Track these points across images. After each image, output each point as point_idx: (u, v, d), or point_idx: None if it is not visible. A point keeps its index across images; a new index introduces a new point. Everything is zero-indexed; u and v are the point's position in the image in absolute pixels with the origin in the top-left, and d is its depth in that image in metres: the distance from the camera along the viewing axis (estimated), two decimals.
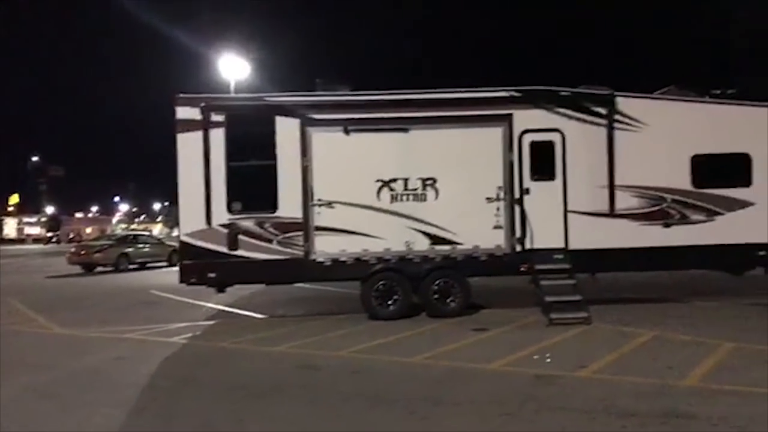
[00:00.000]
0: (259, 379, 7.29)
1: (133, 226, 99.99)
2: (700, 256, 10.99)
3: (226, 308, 12.84)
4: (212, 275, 10.71)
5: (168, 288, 16.19)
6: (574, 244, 10.85)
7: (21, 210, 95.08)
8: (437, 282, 10.76)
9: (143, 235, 31.81)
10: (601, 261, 10.88)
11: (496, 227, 10.90)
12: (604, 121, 11.02)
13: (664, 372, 6.89)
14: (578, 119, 11.02)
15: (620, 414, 5.61)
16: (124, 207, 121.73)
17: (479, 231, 10.86)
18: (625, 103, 11.09)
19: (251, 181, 10.84)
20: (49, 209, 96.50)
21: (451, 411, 5.92)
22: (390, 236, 10.81)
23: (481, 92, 11.07)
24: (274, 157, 10.76)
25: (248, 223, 10.72)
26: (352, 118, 10.88)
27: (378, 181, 10.85)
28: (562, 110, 11.00)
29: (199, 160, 10.64)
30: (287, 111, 10.83)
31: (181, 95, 10.83)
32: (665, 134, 11.05)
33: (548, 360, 7.72)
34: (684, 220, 11.04)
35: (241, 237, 10.69)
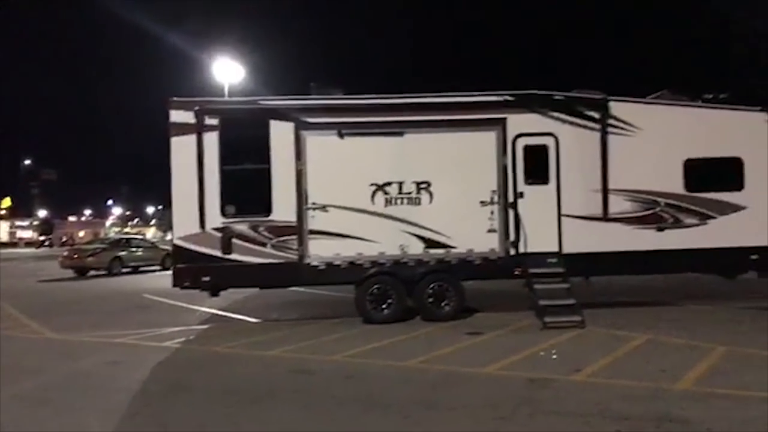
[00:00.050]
0: (253, 383, 7.26)
1: (126, 230, 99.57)
2: (693, 259, 11.04)
3: (220, 312, 12.79)
4: (206, 279, 10.67)
5: (161, 292, 16.11)
6: (568, 248, 10.87)
7: (13, 213, 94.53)
8: (432, 285, 10.76)
9: (136, 238, 31.67)
10: (594, 264, 10.91)
11: (490, 231, 10.92)
12: (597, 126, 11.07)
13: (657, 375, 6.91)
14: (572, 123, 11.06)
15: (614, 417, 5.62)
16: (117, 210, 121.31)
17: (473, 234, 10.88)
18: (618, 108, 11.14)
19: (245, 185, 10.82)
20: (42, 213, 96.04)
21: (445, 415, 5.92)
22: (384, 240, 10.80)
23: (475, 96, 11.11)
24: (268, 160, 10.75)
25: (242, 227, 10.70)
26: (347, 122, 10.88)
27: (372, 184, 10.85)
28: (555, 114, 11.04)
29: (192, 163, 10.62)
30: (281, 114, 10.83)
31: (175, 99, 10.80)
32: (658, 138, 11.11)
33: (554, 357, 7.89)
34: (677, 223, 11.09)
35: (234, 241, 10.66)
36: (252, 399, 6.61)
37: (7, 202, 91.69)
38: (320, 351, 8.74)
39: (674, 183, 11.11)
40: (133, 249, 26.19)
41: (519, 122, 10.96)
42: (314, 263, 10.77)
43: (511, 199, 10.92)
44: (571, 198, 10.99)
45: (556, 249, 10.90)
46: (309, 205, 10.78)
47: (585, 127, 11.07)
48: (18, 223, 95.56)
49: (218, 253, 10.62)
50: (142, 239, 32.33)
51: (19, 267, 33.29)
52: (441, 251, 10.88)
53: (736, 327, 9.59)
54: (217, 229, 10.65)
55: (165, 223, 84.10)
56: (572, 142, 11.02)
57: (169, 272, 11.30)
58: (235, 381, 7.37)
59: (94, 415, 6.31)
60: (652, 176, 11.11)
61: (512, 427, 5.54)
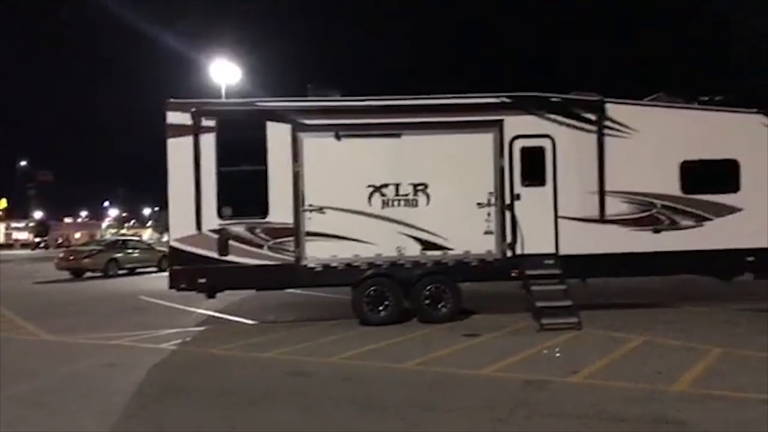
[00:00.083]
0: (249, 385, 7.24)
1: (122, 232, 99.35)
2: (689, 261, 11.07)
3: (217, 314, 12.77)
4: (202, 281, 10.65)
5: (158, 294, 16.08)
6: (565, 250, 10.89)
7: (9, 215, 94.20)
8: (428, 287, 10.75)
9: (133, 240, 31.63)
10: (591, 266, 10.92)
11: (487, 233, 10.93)
12: (594, 128, 11.09)
13: (654, 377, 6.92)
14: (569, 125, 11.08)
15: (611, 419, 5.62)
16: (113, 212, 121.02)
17: (470, 236, 10.88)
18: (614, 110, 11.16)
19: (242, 187, 10.81)
20: (38, 214, 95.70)
21: (442, 417, 5.91)
22: (381, 242, 10.80)
23: (472, 98, 11.12)
24: (265, 162, 10.74)
25: (239, 229, 10.68)
26: (344, 124, 10.88)
27: (369, 186, 10.85)
28: (552, 116, 11.06)
29: (189, 165, 10.60)
30: (278, 116, 10.82)
31: (172, 100, 10.78)
32: (655, 140, 11.13)
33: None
34: (673, 225, 11.12)
35: (231, 242, 10.64)
36: (248, 401, 6.59)
37: (3, 203, 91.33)
38: (317, 353, 8.73)
39: (671, 185, 11.14)
40: (130, 251, 26.14)
41: (516, 124, 10.97)
42: (311, 265, 10.76)
43: (508, 200, 10.93)
44: (567, 200, 11.01)
45: (552, 251, 10.92)
46: (306, 207, 10.77)
47: (582, 128, 11.09)
48: (14, 224, 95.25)
49: (215, 255, 10.60)
50: (138, 241, 32.28)
51: (14, 269, 33.18)
52: (438, 253, 10.88)
53: (733, 329, 9.61)
54: (213, 231, 10.63)
55: (161, 224, 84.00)
56: (569, 143, 11.04)
57: (166, 274, 11.27)
58: (231, 383, 7.36)
59: (90, 417, 6.29)
60: (649, 178, 11.13)
61: (509, 428, 5.53)
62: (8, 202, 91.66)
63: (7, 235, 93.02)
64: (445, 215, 10.87)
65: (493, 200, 10.94)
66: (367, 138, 10.91)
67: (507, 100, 11.06)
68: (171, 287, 10.75)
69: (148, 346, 9.73)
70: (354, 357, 8.40)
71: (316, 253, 10.76)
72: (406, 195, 10.88)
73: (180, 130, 10.63)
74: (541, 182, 11.02)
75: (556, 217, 10.98)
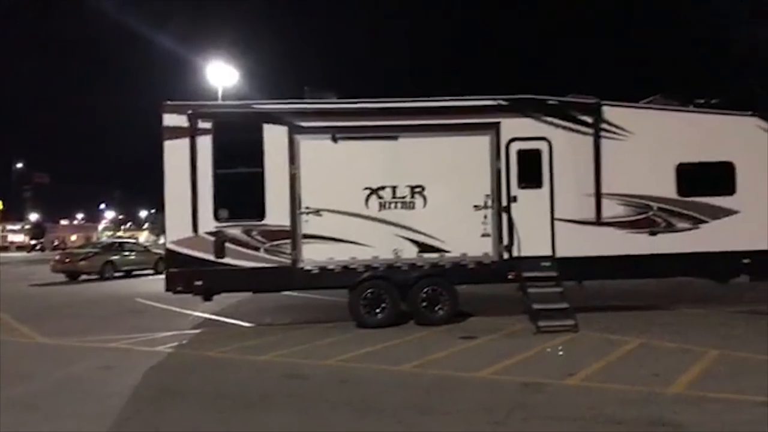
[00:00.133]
0: (246, 388, 7.22)
1: (119, 234, 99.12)
2: (685, 263, 11.08)
3: (213, 317, 12.74)
4: (199, 283, 10.63)
5: (154, 296, 16.04)
6: (561, 252, 10.90)
7: (4, 217, 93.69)
8: (425, 290, 10.75)
9: (129, 242, 31.57)
10: (588, 268, 10.93)
11: (484, 235, 10.93)
12: (590, 130, 11.11)
13: (650, 379, 6.92)
14: (565, 128, 11.10)
15: (608, 422, 5.62)
16: (110, 214, 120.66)
17: (467, 239, 10.88)
18: (611, 112, 11.19)
19: (238, 189, 10.80)
20: (34, 216, 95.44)
21: (439, 420, 5.91)
22: (378, 244, 10.79)
23: (469, 101, 11.13)
24: (261, 164, 10.73)
25: (235, 231, 10.67)
26: (341, 126, 10.88)
27: (366, 188, 10.85)
28: (549, 119, 11.08)
29: (185, 167, 10.58)
30: (275, 118, 10.81)
31: (168, 102, 10.78)
32: (651, 143, 11.16)
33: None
34: (670, 228, 11.14)
35: (228, 245, 10.63)
36: (245, 404, 6.58)
37: None
38: (314, 355, 8.71)
39: (667, 187, 11.16)
40: (126, 253, 26.08)
41: (513, 126, 10.99)
42: (308, 267, 10.74)
43: (504, 203, 10.94)
44: (564, 202, 11.02)
45: (549, 253, 10.92)
46: (302, 209, 10.76)
47: (578, 131, 11.11)
48: (9, 226, 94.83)
49: (211, 257, 10.58)
50: (134, 243, 32.24)
51: (10, 271, 33.06)
52: (435, 255, 10.87)
53: (729, 331, 9.63)
54: (210, 233, 10.61)
55: (158, 226, 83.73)
56: (565, 146, 11.05)
57: (162, 276, 11.25)
58: (228, 386, 7.33)
59: (86, 420, 6.26)
60: (645, 180, 11.15)
61: (506, 431, 5.53)
62: (4, 204, 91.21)
63: (3, 238, 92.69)
64: (442, 218, 10.87)
65: (489, 202, 10.95)
66: (364, 140, 10.91)
67: (503, 102, 11.07)
68: (167, 290, 10.73)
69: (144, 349, 9.71)
70: (351, 360, 8.39)
71: (312, 255, 10.75)
72: (403, 197, 10.88)
73: (176, 133, 10.62)
74: (538, 184, 11.04)
75: (553, 219, 10.99)
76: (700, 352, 8.15)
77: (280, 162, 10.74)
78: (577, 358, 8.08)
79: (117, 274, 24.74)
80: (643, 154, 11.12)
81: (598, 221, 11.05)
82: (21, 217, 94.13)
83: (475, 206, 10.94)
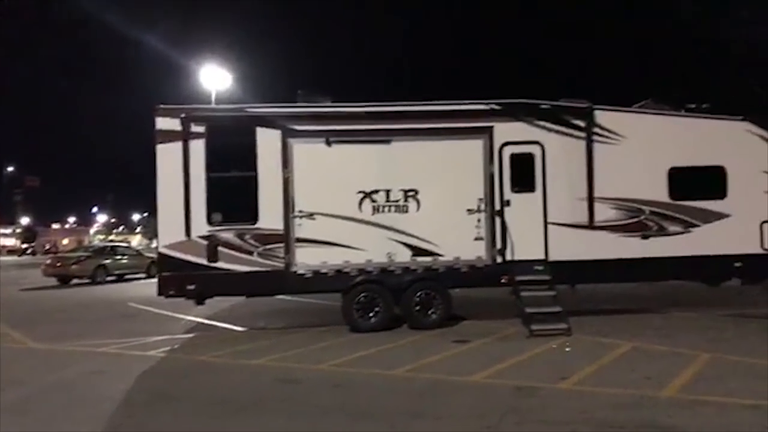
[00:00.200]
0: (238, 393, 7.20)
1: (111, 238, 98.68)
2: (677, 267, 11.14)
3: (206, 321, 12.70)
4: (191, 287, 10.59)
5: (146, 300, 15.97)
6: (554, 256, 10.93)
7: None
8: (419, 294, 10.75)
9: (121, 246, 31.39)
10: (580, 272, 10.97)
11: (477, 239, 10.95)
12: (583, 134, 11.16)
13: (642, 383, 6.95)
14: (558, 132, 11.15)
15: (600, 426, 5.64)
16: (102, 218, 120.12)
17: (460, 242, 10.90)
18: (603, 116, 11.25)
19: (231, 193, 10.78)
20: (25, 220, 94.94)
21: (431, 424, 5.91)
22: (371, 248, 10.79)
23: (462, 105, 11.16)
24: (254, 168, 10.71)
25: (228, 235, 10.64)
26: (334, 130, 10.88)
27: (359, 192, 10.85)
28: (541, 123, 11.12)
29: (178, 171, 10.55)
30: (268, 122, 10.81)
31: (161, 106, 10.75)
32: (643, 147, 11.23)
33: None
34: (662, 231, 11.20)
35: (220, 249, 10.60)
36: (238, 408, 6.56)
37: None
38: (307, 360, 8.70)
39: (659, 191, 11.23)
40: (118, 257, 25.94)
41: (505, 131, 11.03)
42: (301, 271, 10.73)
43: (497, 207, 10.97)
44: (557, 206, 11.06)
45: (542, 257, 10.95)
46: (296, 213, 10.75)
47: (571, 135, 11.16)
48: (0, 230, 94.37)
49: (204, 261, 10.55)
50: (127, 247, 32.03)
51: (0, 275, 32.83)
52: (428, 259, 10.88)
53: (721, 334, 9.68)
54: (203, 237, 10.58)
55: (150, 230, 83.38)
56: (558, 150, 11.10)
57: (154, 280, 11.21)
58: (220, 390, 7.31)
59: (79, 425, 6.22)
60: (637, 184, 11.21)
61: None
62: None
63: None
64: (436, 221, 10.88)
65: (483, 206, 10.98)
66: (358, 144, 10.92)
67: (496, 106, 11.11)
68: (160, 294, 10.68)
69: (136, 354, 9.66)
70: (344, 364, 8.38)
71: (306, 259, 10.73)
72: (397, 201, 10.89)
73: (169, 136, 10.60)
74: (531, 188, 11.07)
75: (546, 223, 11.02)
76: (692, 355, 8.19)
77: (273, 166, 10.73)
78: (569, 361, 8.10)
79: (109, 278, 24.63)
80: (635, 158, 11.18)
81: (591, 225, 11.10)
82: (12, 221, 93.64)
83: (469, 210, 10.96)
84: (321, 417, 6.21)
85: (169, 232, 10.58)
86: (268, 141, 10.73)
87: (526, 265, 10.84)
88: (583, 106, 11.28)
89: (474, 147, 11.02)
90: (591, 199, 11.12)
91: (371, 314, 10.68)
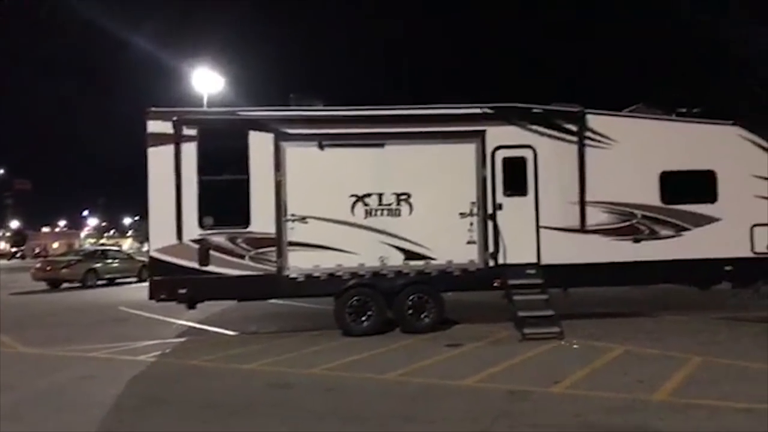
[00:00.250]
0: (230, 397, 7.16)
1: (102, 241, 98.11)
2: (668, 270, 11.19)
3: (197, 325, 12.63)
4: (183, 291, 10.53)
5: (137, 304, 15.87)
6: (547, 259, 10.95)
7: None
8: (411, 297, 10.74)
9: (112, 250, 31.25)
10: (572, 276, 10.99)
11: (470, 242, 10.96)
12: (575, 138, 11.20)
13: (635, 387, 6.96)
14: (550, 136, 11.18)
15: (593, 429, 5.64)
16: (93, 221, 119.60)
17: (453, 246, 10.90)
18: (595, 120, 11.29)
19: (223, 196, 10.74)
20: (14, 224, 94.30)
21: (424, 428, 5.89)
22: (364, 251, 10.78)
23: (455, 109, 11.18)
24: (247, 171, 10.68)
25: (220, 239, 10.60)
26: (327, 133, 10.87)
27: (352, 196, 10.84)
28: (534, 127, 11.15)
29: (170, 174, 10.51)
30: (261, 125, 10.78)
31: (153, 109, 10.70)
32: (634, 151, 11.28)
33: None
34: (653, 235, 11.24)
35: (212, 252, 10.55)
36: (230, 413, 6.52)
37: None
38: (299, 364, 8.66)
39: (650, 195, 11.28)
40: (109, 261, 25.79)
41: (498, 134, 11.05)
42: (293, 275, 10.70)
43: (490, 210, 10.98)
44: (549, 210, 11.08)
45: (534, 260, 10.97)
46: (288, 217, 10.72)
47: (563, 139, 11.20)
48: None
49: (195, 265, 10.50)
50: (118, 251, 31.91)
51: None
52: (421, 263, 10.88)
53: (712, 337, 9.72)
54: (194, 241, 10.53)
55: (142, 234, 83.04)
56: (550, 154, 11.13)
57: (146, 284, 11.15)
58: (212, 395, 7.27)
59: (69, 430, 6.16)
60: (629, 188, 11.26)
61: None
62: None
63: None
64: (428, 225, 10.88)
65: (475, 210, 10.99)
66: (350, 147, 10.91)
67: (489, 110, 11.14)
68: (151, 298, 10.63)
69: (127, 358, 9.59)
70: (336, 368, 8.35)
71: (298, 263, 10.70)
72: (389, 205, 10.89)
73: (161, 139, 10.55)
74: (523, 192, 11.10)
75: (538, 227, 11.05)
76: (684, 358, 8.21)
77: (265, 169, 10.70)
78: (562, 365, 8.11)
79: (100, 282, 24.48)
80: (626, 162, 11.23)
81: (583, 229, 11.13)
82: (1, 225, 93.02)
83: (461, 214, 10.97)
84: (313, 421, 6.18)
85: (161, 236, 10.53)
86: (260, 144, 10.71)
87: (519, 268, 10.85)
88: (574, 110, 11.32)
89: (466, 151, 11.04)
90: (583, 203, 11.15)
91: (364, 318, 10.66)
